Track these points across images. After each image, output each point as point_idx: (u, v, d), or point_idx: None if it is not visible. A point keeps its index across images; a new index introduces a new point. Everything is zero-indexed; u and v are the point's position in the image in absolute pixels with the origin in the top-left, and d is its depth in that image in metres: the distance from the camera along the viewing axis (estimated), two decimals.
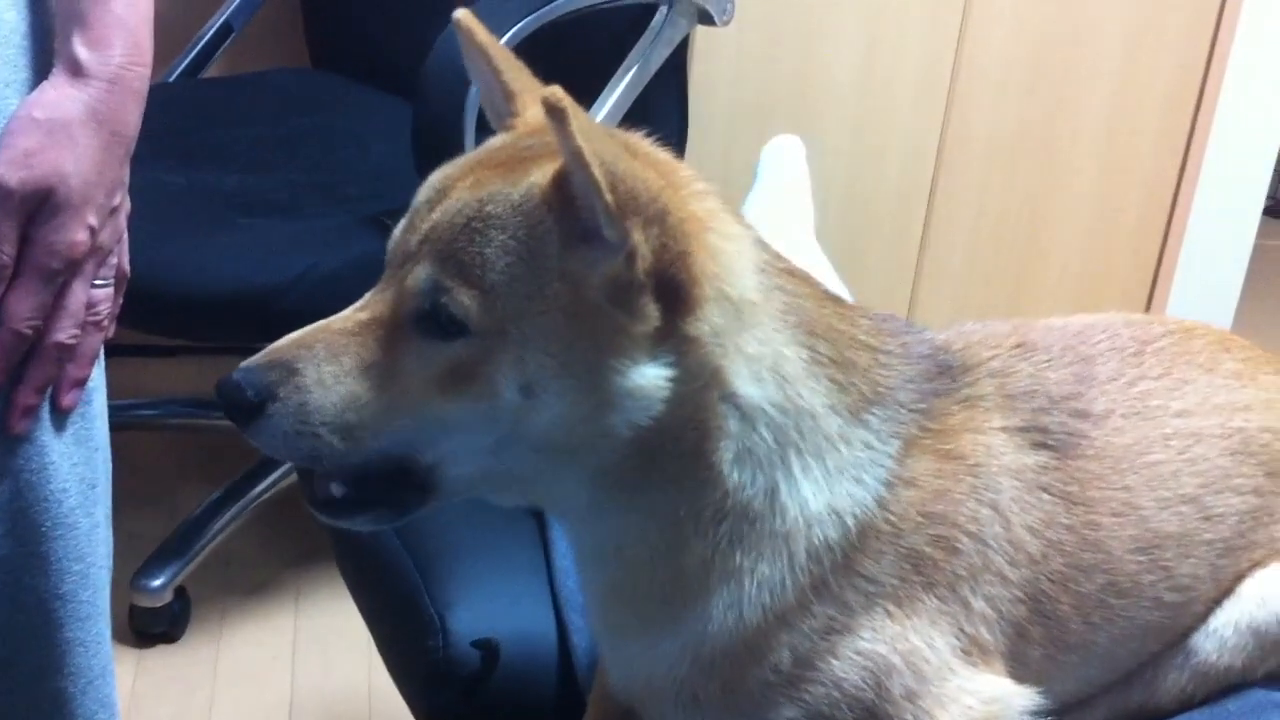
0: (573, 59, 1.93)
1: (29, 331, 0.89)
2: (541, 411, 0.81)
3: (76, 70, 0.88)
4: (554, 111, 0.74)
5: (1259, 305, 2.84)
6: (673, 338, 0.82)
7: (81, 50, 0.88)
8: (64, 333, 0.91)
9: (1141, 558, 0.96)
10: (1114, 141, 2.49)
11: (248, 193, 1.94)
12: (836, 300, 0.92)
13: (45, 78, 0.89)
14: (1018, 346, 0.99)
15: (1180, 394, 1.00)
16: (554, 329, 0.80)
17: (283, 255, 1.79)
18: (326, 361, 0.83)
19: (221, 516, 2.04)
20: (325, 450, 0.83)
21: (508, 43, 1.65)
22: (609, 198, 0.77)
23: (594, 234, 0.80)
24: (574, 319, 0.80)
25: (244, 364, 0.84)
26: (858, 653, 0.87)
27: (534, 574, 1.16)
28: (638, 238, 0.79)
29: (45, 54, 0.90)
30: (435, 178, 0.88)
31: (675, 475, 0.85)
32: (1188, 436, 0.98)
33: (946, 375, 0.94)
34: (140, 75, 0.90)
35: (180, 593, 1.99)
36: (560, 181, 0.81)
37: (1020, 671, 0.93)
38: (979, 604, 0.90)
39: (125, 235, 0.96)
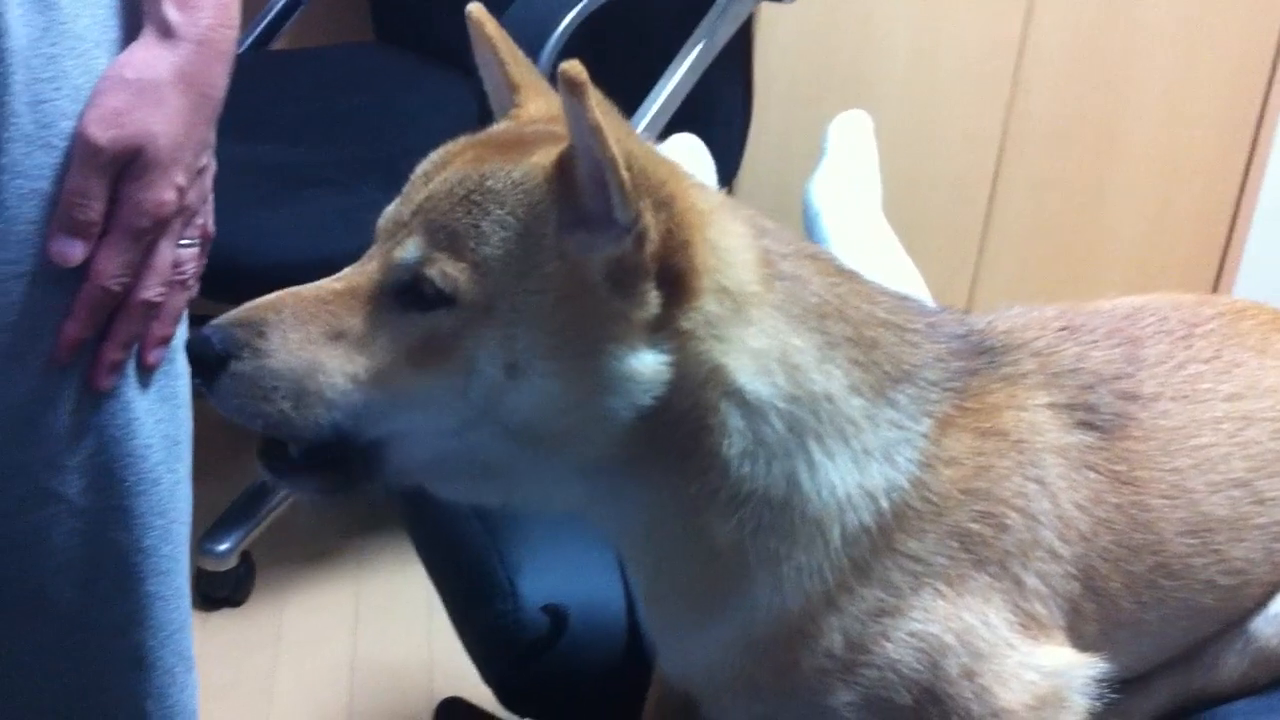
0: (634, 38, 1.94)
1: (117, 288, 0.91)
2: (525, 392, 0.80)
3: (166, 31, 0.89)
4: (573, 85, 0.74)
5: None
6: (669, 328, 0.81)
7: (171, 11, 0.89)
8: (151, 290, 0.92)
9: (1192, 540, 0.95)
10: (1177, 126, 2.47)
11: (308, 167, 1.96)
12: (853, 278, 0.91)
13: (134, 38, 0.90)
14: (1063, 329, 0.98)
15: (1230, 377, 0.99)
16: (548, 309, 0.80)
17: (341, 229, 1.80)
18: (293, 327, 0.83)
19: None
20: (276, 417, 0.82)
21: (572, 21, 1.65)
22: (625, 174, 0.76)
23: (594, 218, 0.80)
24: (570, 301, 0.80)
25: (215, 320, 0.84)
26: (910, 634, 0.87)
27: (600, 542, 1.16)
28: (648, 219, 0.78)
29: (134, 15, 0.91)
30: (435, 154, 0.88)
31: (676, 462, 0.84)
32: (1239, 420, 0.98)
33: (985, 354, 0.93)
34: (228, 37, 0.91)
35: (245, 558, 2.02)
36: (563, 163, 0.81)
37: (1077, 646, 0.92)
38: (1031, 580, 0.89)
39: (210, 196, 0.97)
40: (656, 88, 1.86)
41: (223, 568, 1.98)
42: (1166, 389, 0.96)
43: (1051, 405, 0.92)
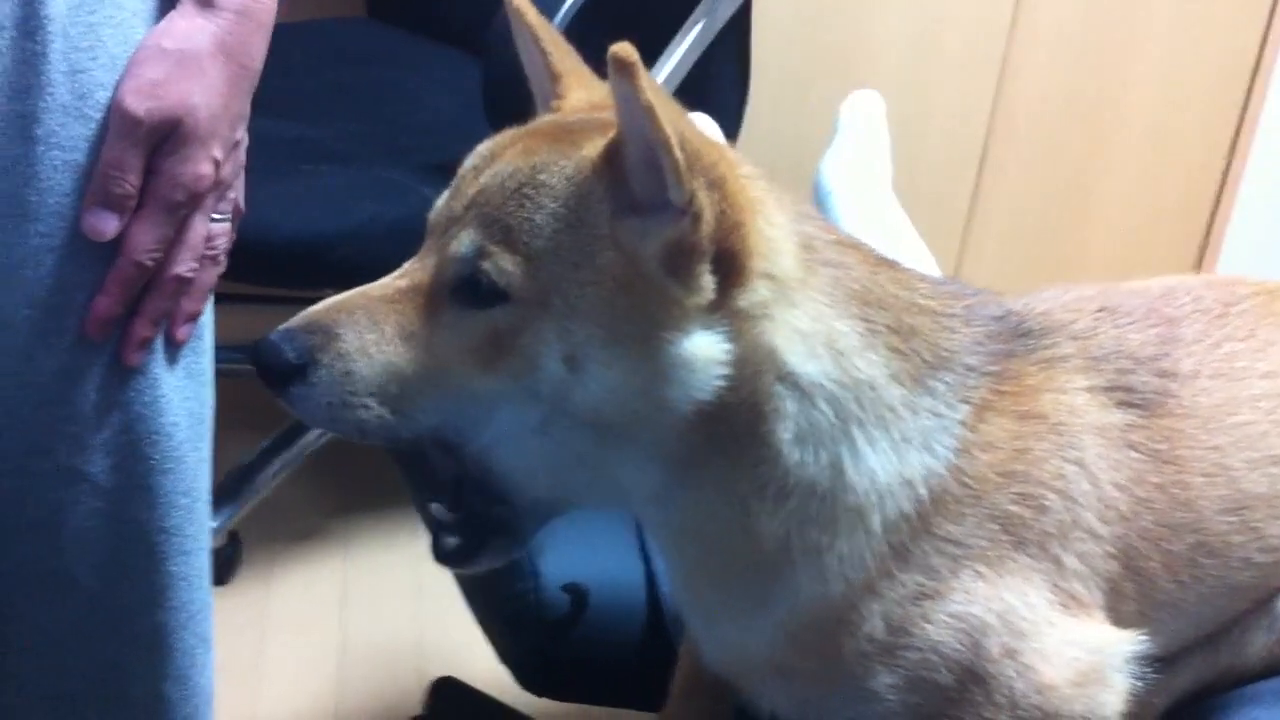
0: (631, 17, 1.92)
1: (150, 263, 0.89)
2: (588, 384, 0.80)
3: (205, 1, 0.88)
4: (623, 66, 0.74)
5: None
6: (725, 311, 0.81)
7: None
8: (183, 265, 0.91)
9: (1231, 518, 0.96)
10: (1165, 112, 2.48)
11: (305, 142, 1.93)
12: (892, 265, 0.91)
13: (171, 8, 0.89)
14: (1101, 310, 0.99)
15: (1266, 355, 1.00)
16: (604, 299, 0.79)
17: (342, 205, 1.79)
18: (368, 329, 0.82)
19: (273, 464, 2.04)
20: (373, 423, 0.82)
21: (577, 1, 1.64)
22: (678, 154, 0.76)
23: (645, 203, 0.79)
24: (625, 289, 0.80)
25: (281, 327, 0.83)
26: (951, 615, 0.87)
27: (620, 522, 1.16)
28: (702, 199, 0.78)
29: None
30: (482, 146, 0.88)
31: (733, 455, 0.84)
32: (1275, 397, 0.98)
33: (1023, 338, 0.94)
34: (267, 7, 0.90)
35: (232, 537, 2.00)
36: (612, 153, 0.80)
37: (1116, 626, 0.93)
38: (1071, 560, 0.90)
39: (242, 171, 0.96)
40: (656, 67, 1.85)
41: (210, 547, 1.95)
42: (1204, 367, 0.97)
43: (1090, 389, 0.92)
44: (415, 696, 1.81)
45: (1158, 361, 0.96)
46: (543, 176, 0.81)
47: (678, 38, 1.87)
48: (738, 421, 0.83)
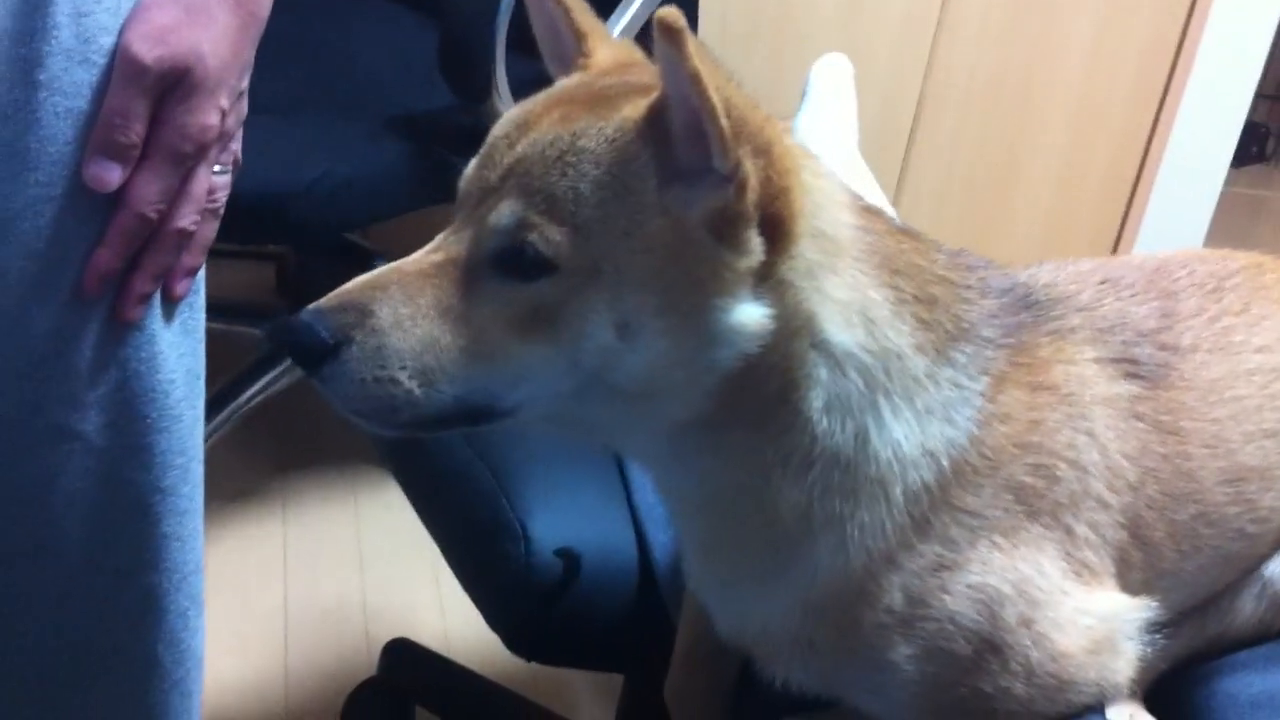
0: None
1: (154, 216, 0.86)
2: (637, 353, 0.79)
3: None
4: (669, 31, 0.72)
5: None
6: (770, 276, 0.80)
7: None
8: (186, 219, 0.88)
9: (1229, 490, 0.98)
10: (1090, 90, 2.53)
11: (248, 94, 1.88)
12: (912, 235, 0.91)
13: None
14: (1103, 282, 1.00)
15: (1259, 329, 1.02)
16: (654, 267, 0.78)
17: (294, 160, 1.74)
18: (402, 303, 0.80)
19: (206, 424, 1.99)
20: (402, 398, 0.80)
21: None
22: (725, 123, 0.74)
23: (690, 169, 0.78)
24: (674, 257, 0.78)
25: (310, 306, 0.81)
26: (969, 586, 0.88)
27: (609, 485, 1.15)
28: (748, 167, 0.77)
29: None
30: (514, 112, 0.85)
31: (757, 421, 0.84)
32: (1269, 372, 1.00)
33: (1031, 309, 0.94)
34: None
35: None
36: (655, 118, 0.79)
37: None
38: (1082, 529, 0.91)
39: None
40: (609, 22, 1.83)
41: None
42: (1203, 341, 0.98)
43: (1098, 360, 0.93)
44: (364, 658, 1.79)
45: (1159, 335, 0.97)
46: (584, 143, 0.79)
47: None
48: (767, 387, 0.82)
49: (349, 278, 0.83)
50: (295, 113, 1.87)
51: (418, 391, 0.80)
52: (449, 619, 1.87)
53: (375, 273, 0.82)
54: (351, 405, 0.81)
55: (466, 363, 0.80)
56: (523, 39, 1.71)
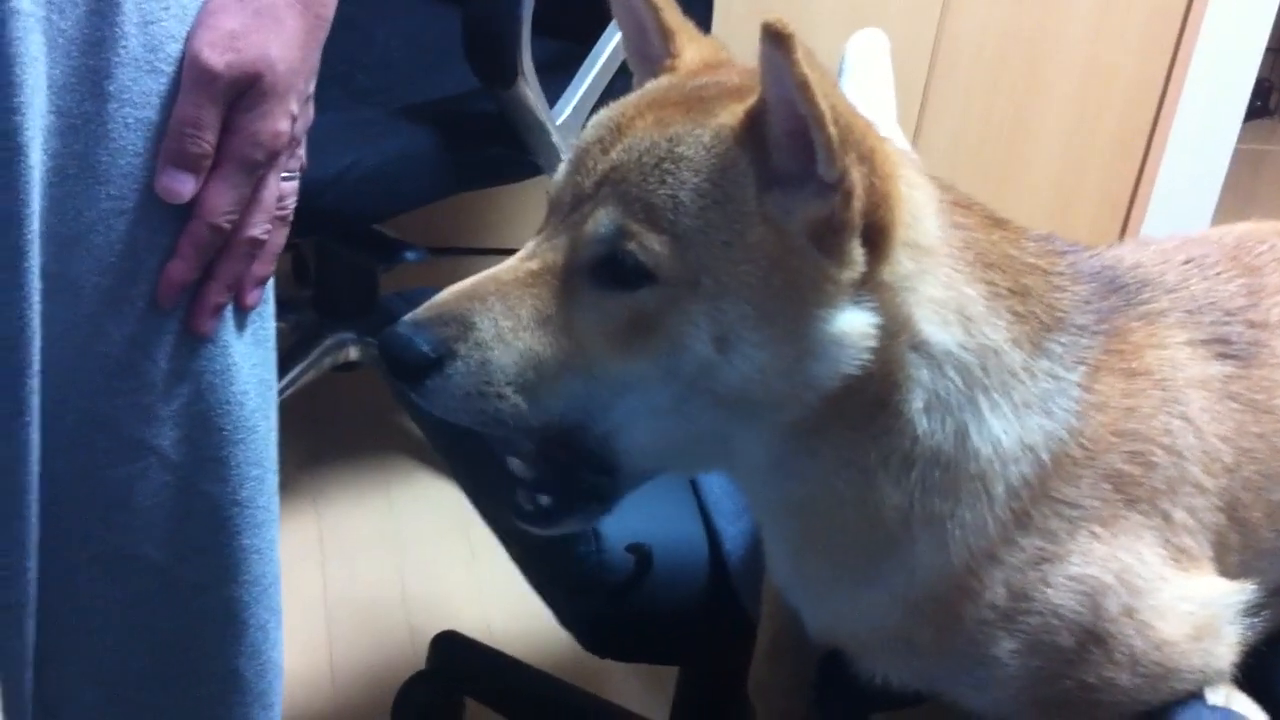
0: None
1: (227, 225, 0.84)
2: (737, 364, 0.78)
3: None
4: (778, 38, 0.71)
5: (1236, 212, 2.89)
6: (870, 283, 0.79)
7: None
8: (258, 227, 0.86)
9: None
10: (1102, 45, 2.51)
11: None
12: (1002, 224, 0.90)
13: None
14: (1187, 261, 0.98)
15: None
16: (756, 278, 0.77)
17: (322, 151, 1.71)
18: (503, 315, 0.79)
19: None
20: (509, 412, 0.79)
21: None
22: (833, 130, 0.73)
23: (789, 176, 0.77)
24: (777, 267, 0.77)
25: (406, 318, 0.79)
26: (1070, 578, 0.87)
27: (676, 481, 1.14)
28: (854, 175, 0.75)
29: None
30: (605, 116, 0.83)
31: (859, 425, 0.82)
32: None
33: (1120, 293, 0.93)
34: None
35: None
36: (754, 123, 0.77)
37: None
38: (1180, 515, 0.90)
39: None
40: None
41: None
42: None
43: (1190, 342, 0.92)
44: (409, 650, 1.78)
45: (1247, 312, 0.96)
46: (681, 149, 0.77)
47: None
48: (867, 392, 0.81)
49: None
50: (315, 100, 1.84)
51: (524, 406, 0.79)
52: (488, 607, 1.86)
53: (470, 282, 0.80)
54: (452, 417, 0.80)
55: (566, 376, 0.79)
56: (541, 20, 1.70)
